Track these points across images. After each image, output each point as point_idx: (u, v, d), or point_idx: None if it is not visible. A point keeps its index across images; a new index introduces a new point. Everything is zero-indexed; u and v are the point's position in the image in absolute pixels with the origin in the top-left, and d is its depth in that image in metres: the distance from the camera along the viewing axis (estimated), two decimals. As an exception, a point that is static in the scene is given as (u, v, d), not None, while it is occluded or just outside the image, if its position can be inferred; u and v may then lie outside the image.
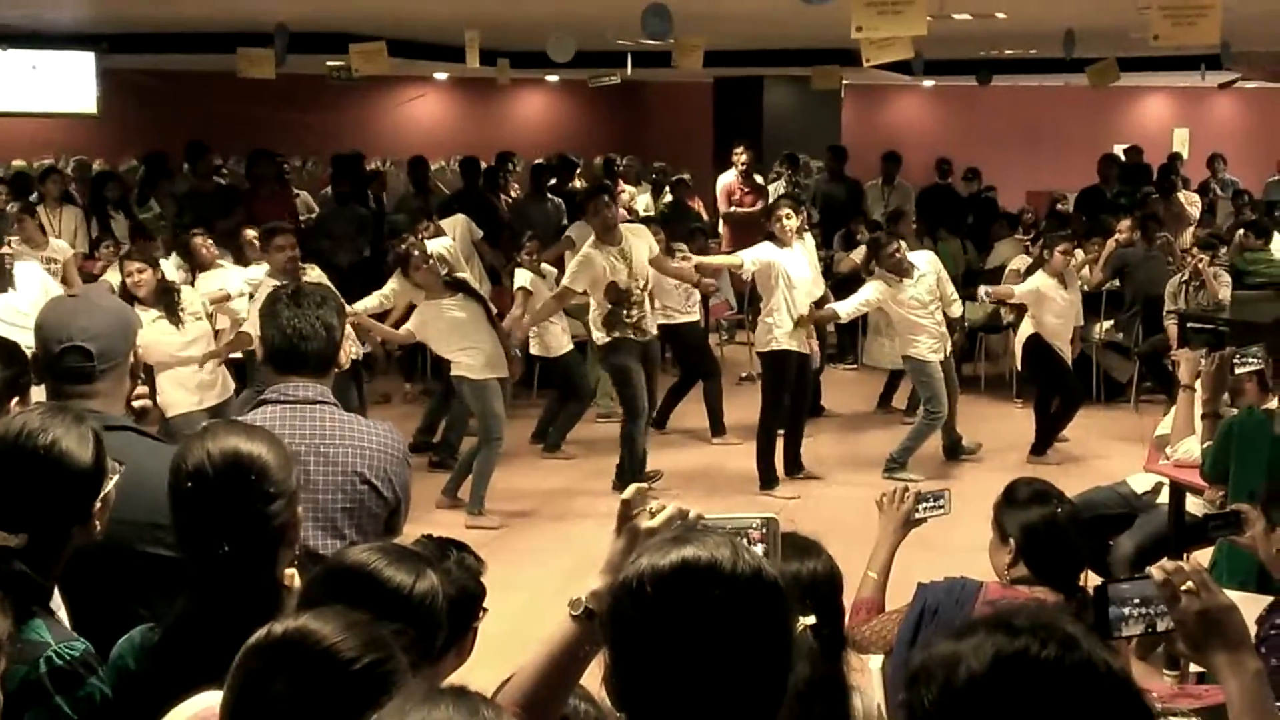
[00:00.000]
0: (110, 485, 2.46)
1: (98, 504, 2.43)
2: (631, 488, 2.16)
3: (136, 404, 3.17)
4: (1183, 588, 2.13)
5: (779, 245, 8.22)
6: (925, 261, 8.82)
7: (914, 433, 8.74)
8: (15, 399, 3.21)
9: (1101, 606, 2.20)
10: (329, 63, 13.02)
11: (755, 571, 1.74)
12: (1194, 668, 4.03)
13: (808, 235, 8.73)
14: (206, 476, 2.38)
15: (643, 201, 15.20)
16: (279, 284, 7.42)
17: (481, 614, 2.67)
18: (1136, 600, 2.20)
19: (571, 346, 9.23)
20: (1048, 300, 9.05)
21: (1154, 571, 2.17)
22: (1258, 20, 9.98)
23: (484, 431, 7.69)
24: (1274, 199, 14.71)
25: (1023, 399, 10.26)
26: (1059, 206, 14.35)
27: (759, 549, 1.99)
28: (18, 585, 2.26)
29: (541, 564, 6.80)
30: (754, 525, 2.06)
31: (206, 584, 2.38)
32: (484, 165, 13.39)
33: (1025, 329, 9.19)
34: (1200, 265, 9.93)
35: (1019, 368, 9.58)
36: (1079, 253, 11.52)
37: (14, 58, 11.83)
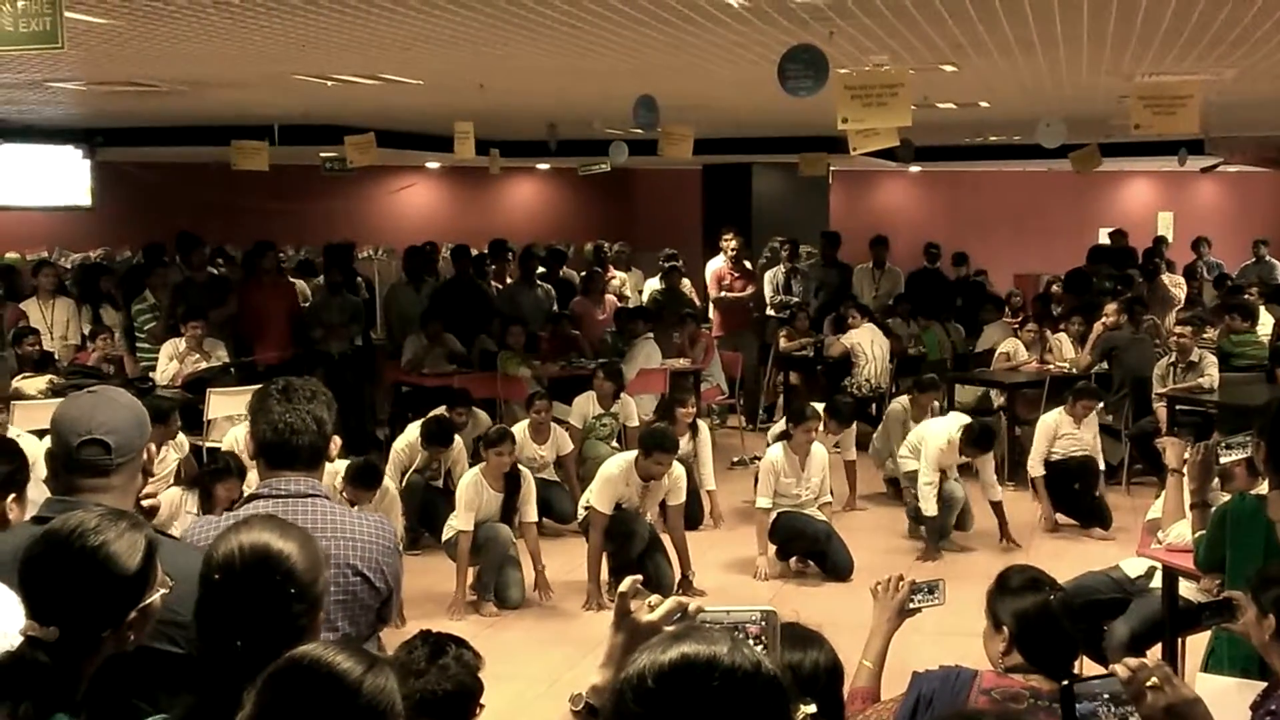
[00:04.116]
0: (155, 597, 2.44)
1: (134, 613, 2.41)
2: (627, 581, 2.16)
3: (146, 503, 3.17)
4: (1147, 684, 2.17)
5: None
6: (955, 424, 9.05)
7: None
8: (12, 495, 3.21)
9: (1069, 705, 2.22)
10: (322, 154, 13.14)
11: (755, 666, 1.74)
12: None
13: None
14: (234, 569, 2.39)
15: (636, 285, 15.30)
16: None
17: (479, 710, 2.65)
18: (1106, 696, 2.22)
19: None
20: (1061, 438, 9.43)
21: (1118, 669, 2.20)
22: (1235, 108, 10.14)
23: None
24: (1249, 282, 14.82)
25: (1014, 483, 10.26)
26: (1054, 289, 14.40)
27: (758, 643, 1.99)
28: (41, 679, 2.26)
29: (535, 654, 6.74)
30: (753, 620, 2.06)
31: (219, 679, 2.36)
32: (475, 252, 13.48)
33: (1036, 470, 9.48)
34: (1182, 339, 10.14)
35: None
36: (1062, 334, 11.62)
37: (7, 152, 11.94)
